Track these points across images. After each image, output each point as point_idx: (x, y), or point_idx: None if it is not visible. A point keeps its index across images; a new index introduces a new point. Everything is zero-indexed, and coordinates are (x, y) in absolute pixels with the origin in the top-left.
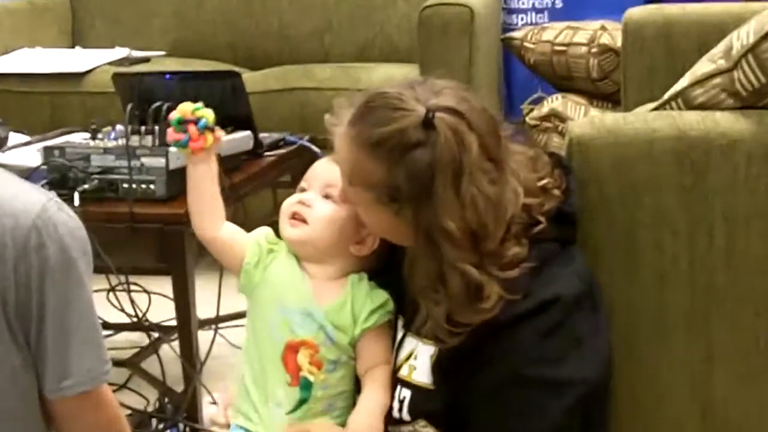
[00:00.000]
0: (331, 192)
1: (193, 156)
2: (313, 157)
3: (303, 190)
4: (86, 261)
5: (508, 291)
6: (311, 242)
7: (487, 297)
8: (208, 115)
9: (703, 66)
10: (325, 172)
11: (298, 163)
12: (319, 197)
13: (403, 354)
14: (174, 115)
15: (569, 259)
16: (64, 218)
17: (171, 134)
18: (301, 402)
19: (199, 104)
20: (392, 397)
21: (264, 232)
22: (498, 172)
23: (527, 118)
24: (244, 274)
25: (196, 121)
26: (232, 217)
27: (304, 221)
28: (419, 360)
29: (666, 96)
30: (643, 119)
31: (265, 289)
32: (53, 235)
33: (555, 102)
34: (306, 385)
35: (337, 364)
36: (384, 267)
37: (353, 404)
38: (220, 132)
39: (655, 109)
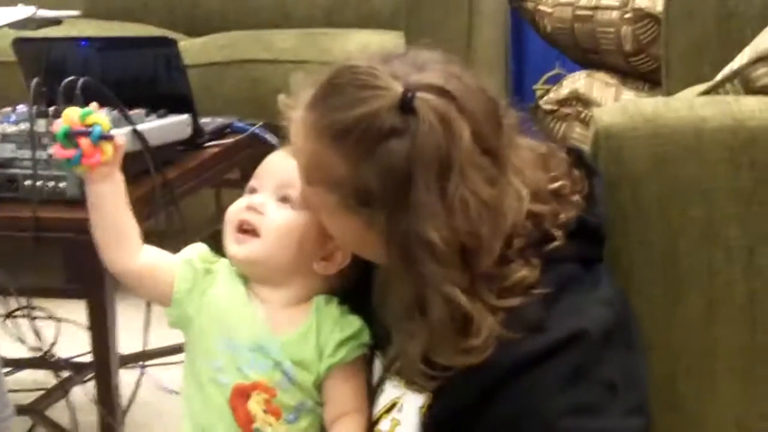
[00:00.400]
0: (289, 194)
1: (90, 174)
2: (268, 149)
3: (253, 191)
4: None
5: (507, 326)
6: (264, 261)
7: (477, 332)
8: (103, 121)
9: None
10: (281, 167)
11: (249, 156)
12: (273, 201)
13: (383, 402)
14: (58, 127)
15: (594, 283)
16: None
17: (58, 151)
18: None
19: (91, 107)
20: None
21: (196, 249)
22: (497, 168)
23: (541, 102)
24: (175, 305)
25: (87, 132)
26: (165, 224)
27: (254, 233)
28: (405, 412)
29: (719, 76)
30: (689, 105)
31: (204, 320)
32: None
33: (578, 81)
34: None
35: (301, 411)
36: (359, 287)
37: None
38: (120, 138)
39: (706, 92)
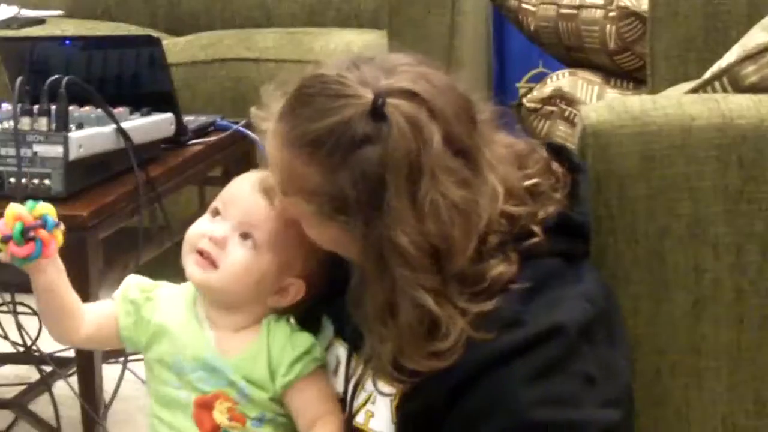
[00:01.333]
0: (251, 233)
1: (39, 264)
2: (250, 147)
3: (216, 213)
4: None
5: (481, 326)
6: (219, 291)
7: (445, 336)
8: (50, 209)
9: (757, 36)
10: (248, 203)
11: (232, 153)
12: (236, 237)
13: (361, 397)
14: (10, 227)
15: (576, 278)
16: None
17: (17, 250)
18: None
19: (32, 202)
20: None
21: (133, 281)
22: (470, 169)
23: (525, 100)
24: (126, 341)
25: (42, 224)
26: (149, 222)
27: (213, 264)
28: (377, 404)
29: (707, 74)
30: (677, 103)
31: (156, 344)
32: None
33: (561, 79)
34: None
35: (263, 420)
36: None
37: None
38: (60, 224)
39: (694, 90)
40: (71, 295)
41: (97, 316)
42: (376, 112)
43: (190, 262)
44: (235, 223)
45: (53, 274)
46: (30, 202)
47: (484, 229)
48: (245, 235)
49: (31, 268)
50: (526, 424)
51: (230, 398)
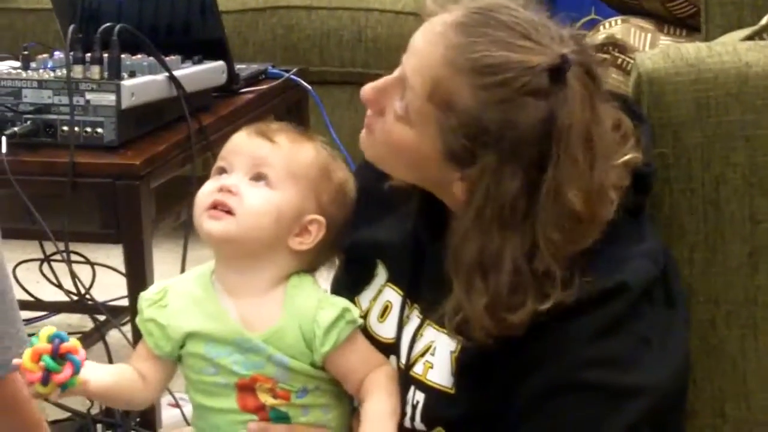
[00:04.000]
0: (263, 171)
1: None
2: (302, 95)
3: (222, 171)
4: None
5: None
6: (240, 239)
7: (522, 305)
8: (69, 340)
9: None
10: (251, 146)
11: (283, 102)
12: (247, 181)
13: (419, 347)
14: (41, 366)
15: (639, 234)
16: None
17: (62, 376)
18: None
19: (48, 329)
20: (403, 401)
21: (141, 301)
22: (608, 152)
23: None
24: (164, 356)
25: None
26: (201, 171)
27: (230, 213)
28: (437, 356)
29: (764, 20)
30: (733, 50)
31: (183, 342)
32: None
33: (613, 27)
34: (280, 417)
35: (307, 391)
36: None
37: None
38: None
39: (749, 37)
40: (126, 383)
41: (145, 360)
42: (558, 72)
43: (205, 221)
44: (243, 169)
45: (102, 377)
46: (47, 332)
47: None
48: (256, 177)
49: (80, 383)
50: (574, 382)
51: (269, 378)
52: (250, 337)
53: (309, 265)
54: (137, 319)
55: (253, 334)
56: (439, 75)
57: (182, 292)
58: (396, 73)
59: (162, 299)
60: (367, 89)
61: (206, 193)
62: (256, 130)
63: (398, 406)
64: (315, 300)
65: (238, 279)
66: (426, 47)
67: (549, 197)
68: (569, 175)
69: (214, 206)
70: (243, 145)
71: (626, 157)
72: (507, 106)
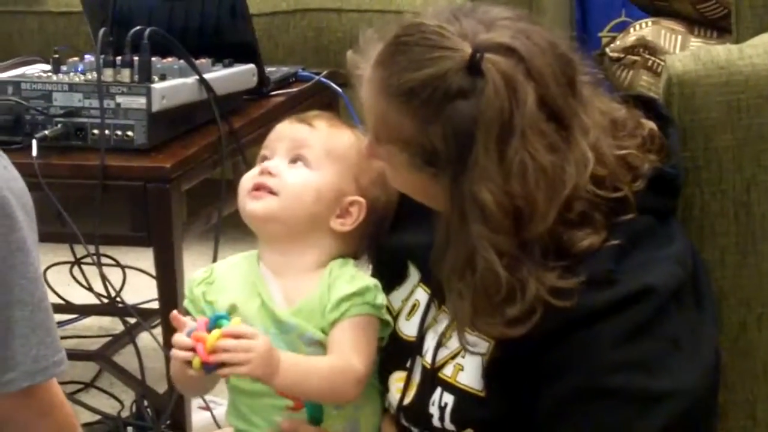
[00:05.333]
0: (300, 153)
1: None
2: (333, 97)
3: (264, 159)
4: (29, 221)
5: (571, 275)
6: (282, 218)
7: (511, 301)
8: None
9: None
10: (290, 131)
11: (314, 104)
12: (286, 163)
13: (449, 349)
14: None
15: (668, 237)
16: None
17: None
18: (315, 424)
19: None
20: (430, 402)
21: (188, 285)
22: (561, 134)
23: (608, 50)
24: None
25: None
26: (232, 174)
27: (271, 193)
28: (468, 358)
29: None
30: (764, 52)
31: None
32: None
33: (644, 29)
34: (313, 405)
35: None
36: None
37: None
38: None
39: None
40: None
41: None
42: (473, 67)
43: (247, 203)
44: (283, 153)
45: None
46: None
47: (569, 196)
48: (295, 159)
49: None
50: (603, 387)
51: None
52: (280, 315)
53: (352, 249)
54: (185, 301)
55: (287, 308)
56: (381, 116)
57: (229, 270)
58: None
59: (209, 276)
60: (364, 148)
61: (248, 178)
62: (296, 117)
63: (326, 383)
64: (351, 274)
65: (282, 260)
66: (365, 96)
67: (469, 199)
68: (480, 170)
69: (257, 188)
70: (283, 131)
71: (623, 152)
72: (441, 119)
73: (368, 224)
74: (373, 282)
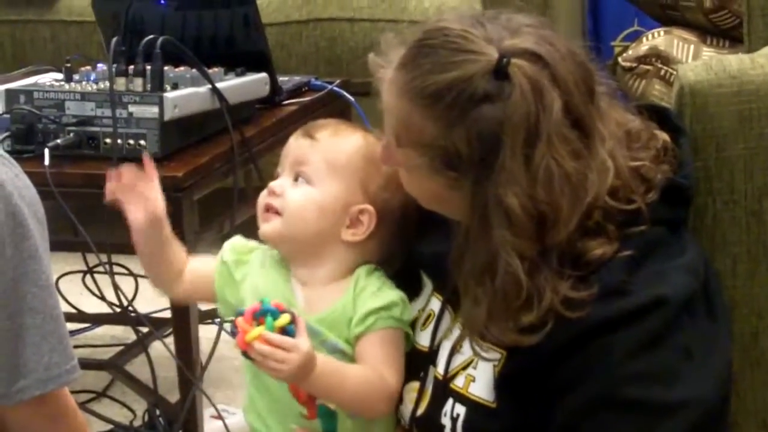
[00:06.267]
0: (300, 170)
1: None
2: (345, 107)
3: (278, 175)
4: (41, 229)
5: (583, 287)
6: (289, 237)
7: (529, 308)
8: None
9: None
10: (293, 147)
11: (326, 114)
12: (290, 183)
13: (460, 360)
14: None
15: (680, 248)
16: (11, 175)
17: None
18: None
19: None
20: (443, 413)
21: (230, 245)
22: (583, 142)
23: (620, 59)
24: (221, 305)
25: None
26: (244, 182)
27: (278, 214)
28: (479, 369)
29: None
30: None
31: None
32: None
33: (657, 38)
34: (327, 414)
35: None
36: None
37: None
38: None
39: None
40: (178, 254)
41: (194, 274)
42: (500, 71)
43: (260, 224)
44: (288, 171)
45: (167, 229)
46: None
47: (589, 204)
48: (297, 177)
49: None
50: (615, 399)
51: None
52: (309, 321)
53: (376, 256)
54: (220, 254)
55: (310, 315)
56: (402, 119)
57: (264, 261)
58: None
59: (247, 255)
60: (380, 153)
61: (260, 198)
62: (302, 130)
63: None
64: (377, 286)
65: (305, 271)
66: (386, 99)
67: (493, 203)
68: (506, 175)
69: (266, 209)
70: (289, 147)
71: (637, 163)
72: (465, 122)
73: (386, 230)
74: (400, 296)
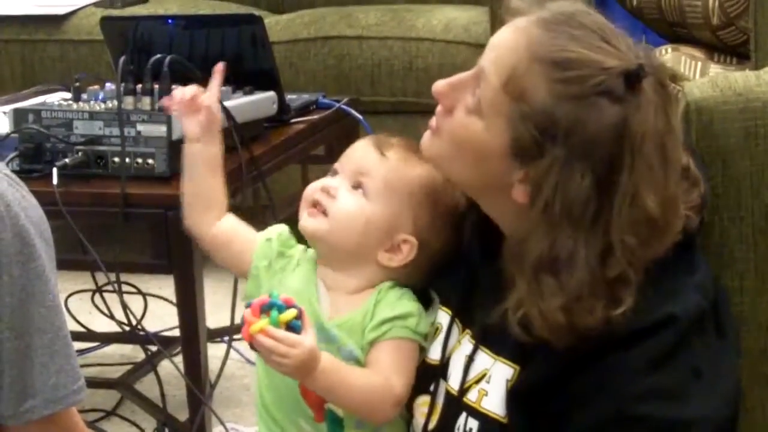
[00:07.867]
0: (362, 181)
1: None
2: (354, 125)
3: (335, 173)
4: (47, 249)
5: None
6: (329, 241)
7: (590, 309)
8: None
9: None
10: (361, 155)
11: (334, 132)
12: (347, 186)
13: (473, 374)
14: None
15: (690, 266)
16: (18, 196)
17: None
18: None
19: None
20: (456, 427)
21: (277, 230)
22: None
23: None
24: (252, 280)
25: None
26: (252, 200)
27: (324, 213)
28: (493, 383)
29: None
30: None
31: None
32: (5, 216)
33: (664, 55)
34: (334, 420)
35: None
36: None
37: None
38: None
39: None
40: (221, 187)
41: (234, 230)
42: (633, 78)
43: (303, 216)
44: (348, 174)
45: (210, 149)
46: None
47: None
48: (357, 185)
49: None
50: (626, 415)
51: None
52: (326, 324)
53: (402, 282)
54: (264, 235)
55: (331, 319)
56: (517, 65)
57: (303, 259)
58: (471, 71)
59: (293, 248)
60: (441, 83)
61: (311, 189)
62: (374, 139)
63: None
64: (395, 297)
65: (332, 276)
66: (507, 39)
67: (625, 202)
68: (646, 181)
69: (314, 204)
70: (356, 151)
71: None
72: (580, 103)
73: (417, 264)
74: (417, 307)
